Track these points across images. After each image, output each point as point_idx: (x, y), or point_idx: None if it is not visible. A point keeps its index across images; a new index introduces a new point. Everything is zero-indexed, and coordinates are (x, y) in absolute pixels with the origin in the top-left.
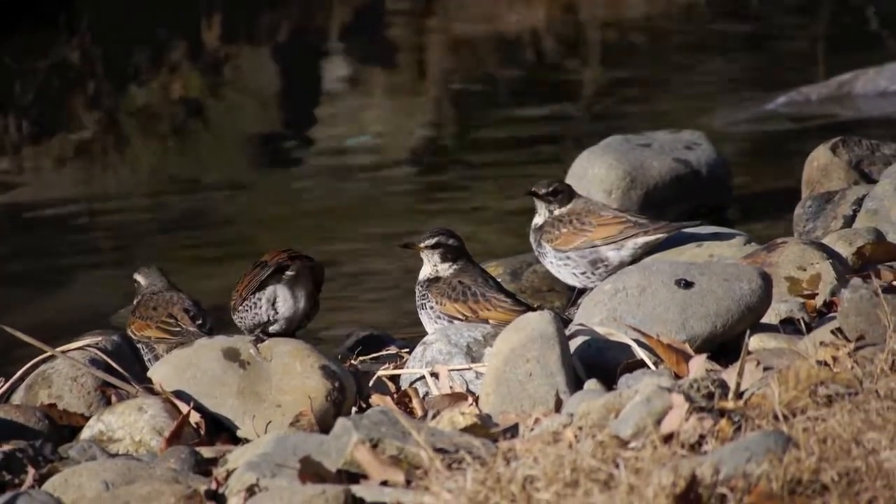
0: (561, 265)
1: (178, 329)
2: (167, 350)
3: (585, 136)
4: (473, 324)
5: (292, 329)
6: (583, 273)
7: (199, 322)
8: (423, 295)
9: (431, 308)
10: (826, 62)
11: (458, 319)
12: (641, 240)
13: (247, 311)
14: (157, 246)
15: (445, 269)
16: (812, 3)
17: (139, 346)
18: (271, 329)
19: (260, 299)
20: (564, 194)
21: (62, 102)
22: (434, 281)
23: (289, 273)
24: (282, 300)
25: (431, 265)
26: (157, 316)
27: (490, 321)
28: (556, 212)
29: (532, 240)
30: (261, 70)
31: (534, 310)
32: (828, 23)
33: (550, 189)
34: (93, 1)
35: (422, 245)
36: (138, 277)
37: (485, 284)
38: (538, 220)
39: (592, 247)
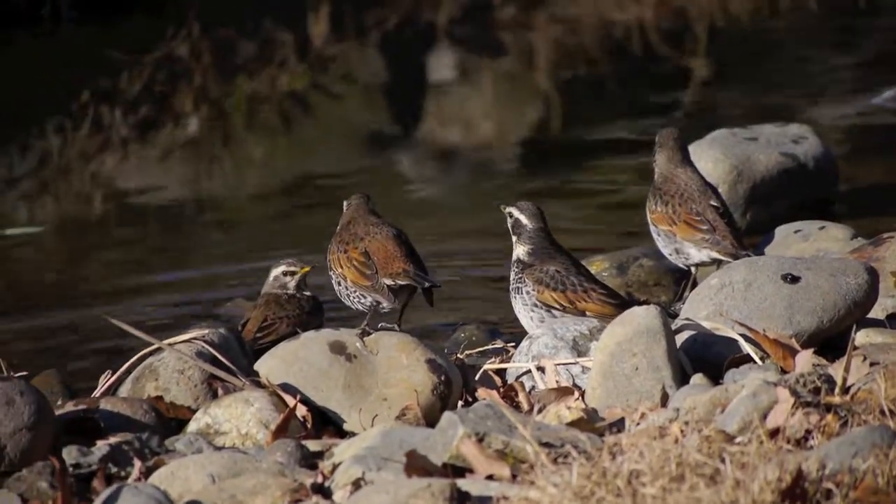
0: (654, 235)
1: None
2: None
3: (692, 129)
4: (579, 318)
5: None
6: (668, 252)
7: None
8: (519, 278)
9: (528, 293)
10: None
11: (555, 308)
12: (713, 254)
13: (354, 297)
14: (264, 238)
15: (517, 244)
16: None
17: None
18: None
19: (364, 297)
20: (655, 151)
21: (169, 95)
22: (528, 265)
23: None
24: (385, 301)
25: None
26: None
27: (587, 313)
28: (657, 169)
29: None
30: (368, 63)
31: (631, 302)
32: None
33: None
34: None
35: (503, 207)
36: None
37: (578, 274)
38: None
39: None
